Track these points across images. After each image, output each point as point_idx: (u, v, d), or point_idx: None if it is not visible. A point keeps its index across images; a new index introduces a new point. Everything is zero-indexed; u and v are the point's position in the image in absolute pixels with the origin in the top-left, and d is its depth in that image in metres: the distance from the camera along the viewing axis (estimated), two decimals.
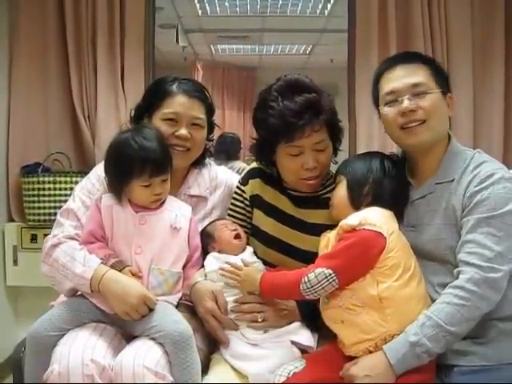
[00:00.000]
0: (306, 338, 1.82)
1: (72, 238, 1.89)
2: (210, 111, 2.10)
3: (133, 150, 1.82)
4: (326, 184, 2.00)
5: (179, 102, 2.01)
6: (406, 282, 1.68)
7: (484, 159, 1.81)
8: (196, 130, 2.03)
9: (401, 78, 1.84)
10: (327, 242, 1.79)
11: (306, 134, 1.82)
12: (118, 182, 1.87)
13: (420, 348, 1.61)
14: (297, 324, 1.84)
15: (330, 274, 1.65)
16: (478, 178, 1.74)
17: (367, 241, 1.67)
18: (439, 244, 1.76)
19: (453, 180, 1.80)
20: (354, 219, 1.69)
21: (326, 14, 5.80)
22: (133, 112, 2.13)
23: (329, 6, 5.56)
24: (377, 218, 1.71)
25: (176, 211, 1.92)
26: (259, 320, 1.81)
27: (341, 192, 1.82)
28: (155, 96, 2.05)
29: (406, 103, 1.80)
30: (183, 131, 1.99)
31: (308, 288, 1.67)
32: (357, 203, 1.78)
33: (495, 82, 3.03)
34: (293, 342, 1.79)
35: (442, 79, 1.88)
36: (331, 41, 6.31)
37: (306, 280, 1.67)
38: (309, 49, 7.40)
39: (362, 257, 1.67)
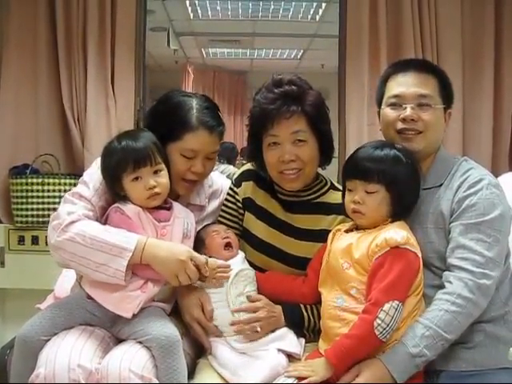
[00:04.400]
0: (293, 344, 1.81)
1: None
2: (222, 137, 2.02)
3: (116, 147, 1.82)
4: (314, 189, 1.99)
5: (200, 140, 1.90)
6: (417, 293, 1.71)
7: (471, 166, 1.85)
8: (209, 161, 1.98)
9: (410, 84, 1.85)
10: (349, 246, 1.72)
11: (276, 119, 1.83)
12: (112, 185, 1.83)
13: (420, 359, 1.62)
14: (282, 330, 1.83)
15: (398, 305, 1.61)
16: (467, 183, 1.77)
17: (414, 263, 1.67)
18: (426, 247, 1.76)
19: (440, 185, 1.83)
20: (400, 235, 1.65)
21: (318, 19, 5.84)
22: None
23: (320, 11, 5.60)
24: (412, 236, 1.71)
25: (185, 219, 1.89)
26: (258, 330, 1.78)
27: (378, 203, 1.72)
28: (172, 125, 1.91)
29: (409, 112, 1.82)
30: (199, 167, 1.92)
31: (384, 328, 1.59)
32: (398, 216, 1.74)
33: (485, 87, 3.05)
34: (279, 349, 1.77)
35: (447, 94, 1.89)
36: (322, 46, 6.34)
37: (380, 322, 1.59)
38: (300, 53, 7.45)
39: (412, 279, 1.67)
